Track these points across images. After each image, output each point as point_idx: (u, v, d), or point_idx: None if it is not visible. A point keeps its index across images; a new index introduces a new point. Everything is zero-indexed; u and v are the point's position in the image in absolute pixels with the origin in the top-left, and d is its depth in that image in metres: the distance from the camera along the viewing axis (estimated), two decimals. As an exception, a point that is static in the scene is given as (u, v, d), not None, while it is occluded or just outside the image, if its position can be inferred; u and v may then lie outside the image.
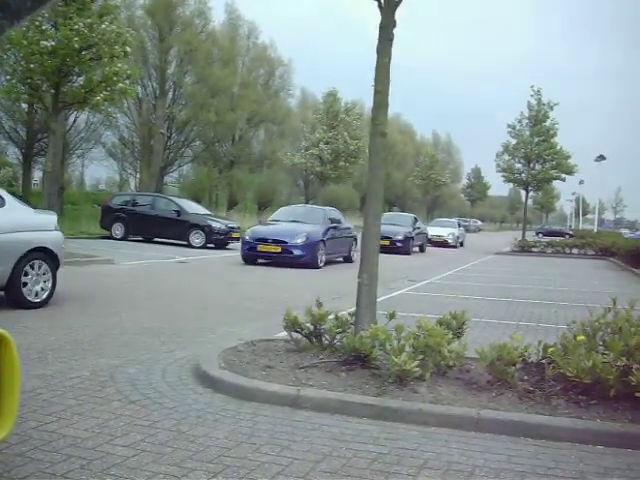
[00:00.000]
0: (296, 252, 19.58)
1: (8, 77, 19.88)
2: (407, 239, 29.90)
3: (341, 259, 22.47)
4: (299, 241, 19.69)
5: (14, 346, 1.22)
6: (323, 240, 20.41)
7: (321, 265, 20.07)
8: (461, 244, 42.51)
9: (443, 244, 39.68)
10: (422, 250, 33.21)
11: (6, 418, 1.21)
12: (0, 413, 1.20)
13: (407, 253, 29.12)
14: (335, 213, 23.41)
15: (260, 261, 19.91)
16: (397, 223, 30.20)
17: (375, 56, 7.18)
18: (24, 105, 35.07)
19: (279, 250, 19.57)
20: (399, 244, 29.12)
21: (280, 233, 19.99)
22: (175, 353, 7.33)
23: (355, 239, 22.59)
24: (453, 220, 48.66)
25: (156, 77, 50.64)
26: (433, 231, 40.30)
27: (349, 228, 23.36)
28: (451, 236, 40.89)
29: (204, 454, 4.44)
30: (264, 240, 19.76)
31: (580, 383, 5.54)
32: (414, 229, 31.59)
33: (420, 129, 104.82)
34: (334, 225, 21.98)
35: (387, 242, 26.83)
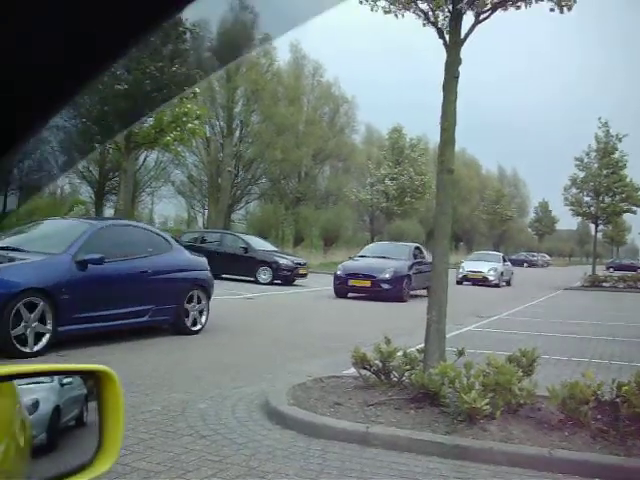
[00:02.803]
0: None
1: (83, 119, 20.55)
2: (398, 279, 20.98)
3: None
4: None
5: (119, 383, 1.32)
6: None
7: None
8: (507, 283, 35.07)
9: (483, 282, 32.65)
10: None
11: (111, 450, 1.30)
12: (105, 445, 1.30)
13: (399, 298, 20.52)
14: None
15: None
16: (388, 255, 22.46)
17: (441, 93, 7.24)
18: (97, 145, 36.11)
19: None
20: (385, 286, 20.71)
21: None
22: (244, 389, 7.40)
23: None
24: (497, 253, 41.34)
25: (223, 116, 51.54)
26: (470, 266, 34.11)
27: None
28: (492, 272, 33.33)
29: (275, 490, 4.48)
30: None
31: (656, 423, 5.41)
32: (413, 264, 22.33)
33: (485, 163, 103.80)
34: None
35: (368, 283, 20.76)
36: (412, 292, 21.47)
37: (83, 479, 1.28)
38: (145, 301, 10.66)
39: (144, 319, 10.68)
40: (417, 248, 24.07)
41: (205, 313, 11.90)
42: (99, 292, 9.81)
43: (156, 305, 10.81)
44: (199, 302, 11.76)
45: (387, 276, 20.65)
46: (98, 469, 1.30)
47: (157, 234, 12.13)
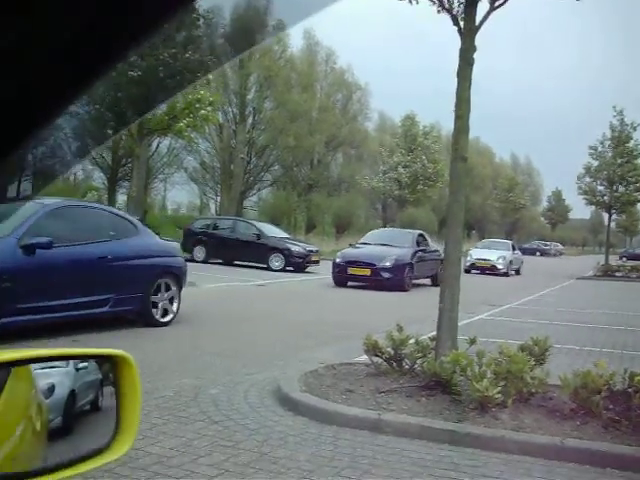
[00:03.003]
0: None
1: (97, 106, 20.59)
2: (400, 267, 20.24)
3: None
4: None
5: (136, 367, 1.33)
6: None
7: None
8: (516, 272, 34.53)
9: (491, 270, 32.12)
10: (435, 282, 21.12)
11: (128, 434, 1.31)
12: (123, 429, 1.31)
13: (400, 287, 19.81)
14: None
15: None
16: (391, 243, 21.61)
17: (455, 81, 7.22)
18: (110, 132, 36.19)
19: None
20: (385, 274, 20.01)
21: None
22: (256, 375, 7.43)
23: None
24: (506, 241, 39.67)
25: (236, 103, 51.51)
26: (479, 254, 33.43)
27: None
28: (501, 260, 32.69)
29: (286, 476, 4.50)
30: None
31: (668, 413, 5.39)
32: (416, 252, 21.52)
33: (498, 151, 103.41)
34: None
35: (367, 271, 20.14)
36: (415, 281, 21.08)
37: (101, 462, 1.29)
38: (105, 290, 9.80)
39: (104, 309, 9.83)
40: (421, 235, 23.33)
41: (176, 302, 11.05)
42: (49, 280, 9.01)
43: (118, 294, 9.96)
44: (169, 291, 10.92)
45: (388, 264, 19.99)
46: (115, 453, 1.31)
47: (121, 217, 11.09)
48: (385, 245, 21.35)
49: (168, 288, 10.92)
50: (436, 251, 22.91)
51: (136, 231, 10.67)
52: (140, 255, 10.48)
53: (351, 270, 20.14)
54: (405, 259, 20.44)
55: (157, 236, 11.72)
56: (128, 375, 1.35)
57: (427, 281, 22.40)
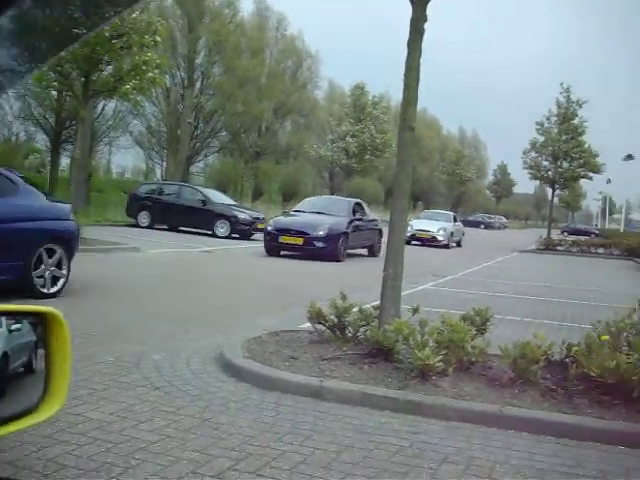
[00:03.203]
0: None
1: (39, 64, 20.03)
2: (334, 237, 19.46)
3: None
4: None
5: (66, 326, 1.28)
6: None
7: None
8: (457, 244, 34.39)
9: (432, 242, 31.66)
10: (372, 253, 22.16)
11: (58, 395, 1.27)
12: (52, 390, 1.27)
13: (334, 257, 19.19)
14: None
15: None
16: (326, 211, 20.87)
17: (405, 51, 7.19)
18: (54, 92, 35.32)
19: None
20: (319, 244, 19.29)
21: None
22: (199, 341, 7.38)
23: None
24: (447, 212, 38.55)
25: (184, 67, 50.76)
26: (419, 225, 32.40)
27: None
28: (442, 232, 32.15)
29: (227, 442, 4.49)
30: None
31: (603, 383, 5.53)
32: (351, 221, 20.78)
33: (446, 124, 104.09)
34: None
35: (300, 240, 19.32)
36: (351, 251, 20.58)
37: (27, 424, 1.25)
38: None
39: None
40: (357, 204, 22.49)
41: (65, 271, 9.77)
42: None
43: None
44: (55, 258, 9.59)
45: (321, 233, 19.19)
46: (42, 415, 1.27)
47: None
48: (319, 213, 20.63)
49: (54, 255, 9.59)
50: (373, 220, 22.71)
51: (15, 190, 9.20)
52: (18, 218, 9.06)
53: (283, 239, 19.34)
54: (340, 228, 19.69)
55: (44, 196, 10.16)
56: (58, 334, 1.29)
57: (364, 251, 22.12)
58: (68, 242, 9.92)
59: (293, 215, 21.38)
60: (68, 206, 10.43)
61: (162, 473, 3.92)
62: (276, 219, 21.03)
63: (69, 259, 9.86)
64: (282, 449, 4.44)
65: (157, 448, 4.28)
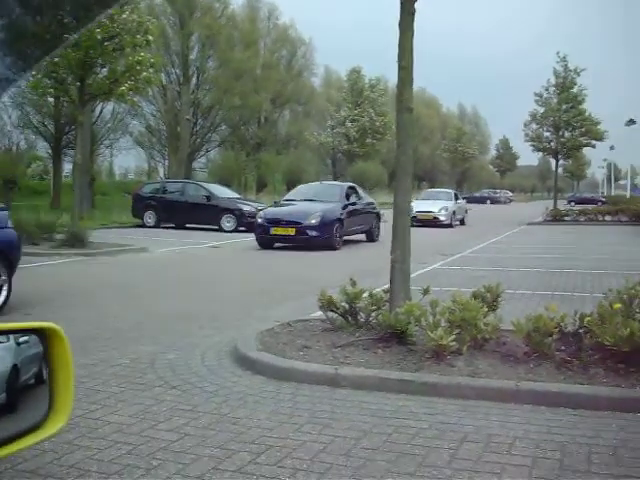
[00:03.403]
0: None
1: (34, 72, 20.02)
2: (327, 224, 18.69)
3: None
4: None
5: (67, 341, 1.28)
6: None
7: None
8: (461, 222, 32.96)
9: (434, 222, 30.07)
10: (370, 238, 21.51)
11: (62, 411, 1.27)
12: (56, 406, 1.27)
13: (330, 246, 18.49)
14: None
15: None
16: (317, 198, 20.07)
17: (398, 31, 7.15)
18: (51, 99, 35.33)
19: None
20: (312, 233, 18.50)
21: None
22: (213, 337, 7.40)
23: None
24: (448, 191, 36.87)
25: (179, 64, 50.71)
26: (420, 206, 30.25)
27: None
28: (444, 212, 30.90)
29: (246, 435, 4.51)
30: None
31: (618, 351, 5.51)
32: (345, 206, 19.99)
33: (445, 102, 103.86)
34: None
35: (292, 231, 18.58)
36: (348, 238, 19.89)
37: (31, 441, 1.24)
38: None
39: None
40: (351, 187, 21.73)
41: (5, 285, 8.70)
42: None
43: None
44: None
45: (314, 222, 18.33)
46: (47, 431, 1.27)
47: None
48: (311, 201, 19.81)
49: None
50: (370, 204, 22.00)
51: None
52: None
53: (274, 230, 18.53)
54: (333, 215, 18.88)
55: None
56: (59, 349, 1.29)
57: (362, 237, 21.42)
58: (6, 252, 8.84)
59: (284, 205, 20.62)
60: (4, 213, 9.38)
61: (184, 472, 3.94)
62: (266, 210, 20.21)
63: (9, 272, 8.81)
64: (302, 439, 4.46)
65: (177, 447, 4.30)
